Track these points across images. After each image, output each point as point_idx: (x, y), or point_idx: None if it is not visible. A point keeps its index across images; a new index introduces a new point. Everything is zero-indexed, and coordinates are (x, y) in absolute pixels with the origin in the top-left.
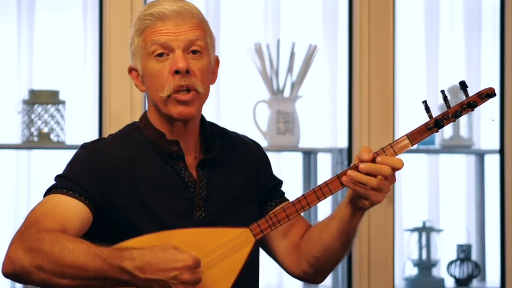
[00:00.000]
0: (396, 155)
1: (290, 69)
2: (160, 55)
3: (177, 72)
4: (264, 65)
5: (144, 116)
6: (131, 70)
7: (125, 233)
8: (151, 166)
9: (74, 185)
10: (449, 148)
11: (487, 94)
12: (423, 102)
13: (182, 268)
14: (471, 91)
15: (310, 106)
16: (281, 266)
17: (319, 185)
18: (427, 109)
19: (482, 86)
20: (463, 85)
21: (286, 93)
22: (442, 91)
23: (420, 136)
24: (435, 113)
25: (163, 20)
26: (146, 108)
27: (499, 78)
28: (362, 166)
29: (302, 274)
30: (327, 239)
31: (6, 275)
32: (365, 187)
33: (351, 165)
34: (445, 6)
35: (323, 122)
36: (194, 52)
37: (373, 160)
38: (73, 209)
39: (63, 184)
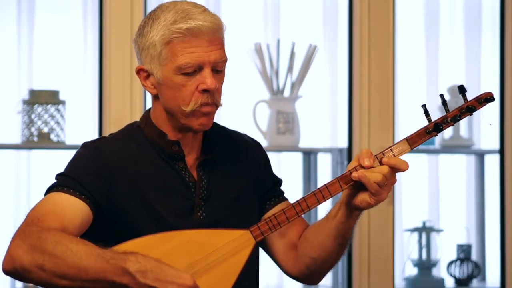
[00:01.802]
0: None
1: (290, 69)
2: (190, 73)
3: (205, 90)
4: (264, 65)
5: (146, 116)
6: (139, 71)
7: (126, 233)
8: (152, 166)
9: (75, 184)
10: (449, 148)
11: (486, 98)
12: (422, 106)
13: (181, 285)
14: (471, 91)
15: (310, 106)
16: (278, 265)
17: (319, 188)
18: (426, 113)
19: (482, 86)
20: (462, 89)
21: (286, 93)
22: (441, 95)
23: (419, 139)
24: (435, 114)
25: (198, 36)
26: (147, 108)
27: (499, 78)
28: (366, 164)
29: (299, 274)
30: (324, 240)
31: (6, 272)
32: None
33: (351, 167)
34: (445, 6)
35: (323, 122)
36: (218, 71)
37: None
38: (74, 208)
39: (64, 182)
